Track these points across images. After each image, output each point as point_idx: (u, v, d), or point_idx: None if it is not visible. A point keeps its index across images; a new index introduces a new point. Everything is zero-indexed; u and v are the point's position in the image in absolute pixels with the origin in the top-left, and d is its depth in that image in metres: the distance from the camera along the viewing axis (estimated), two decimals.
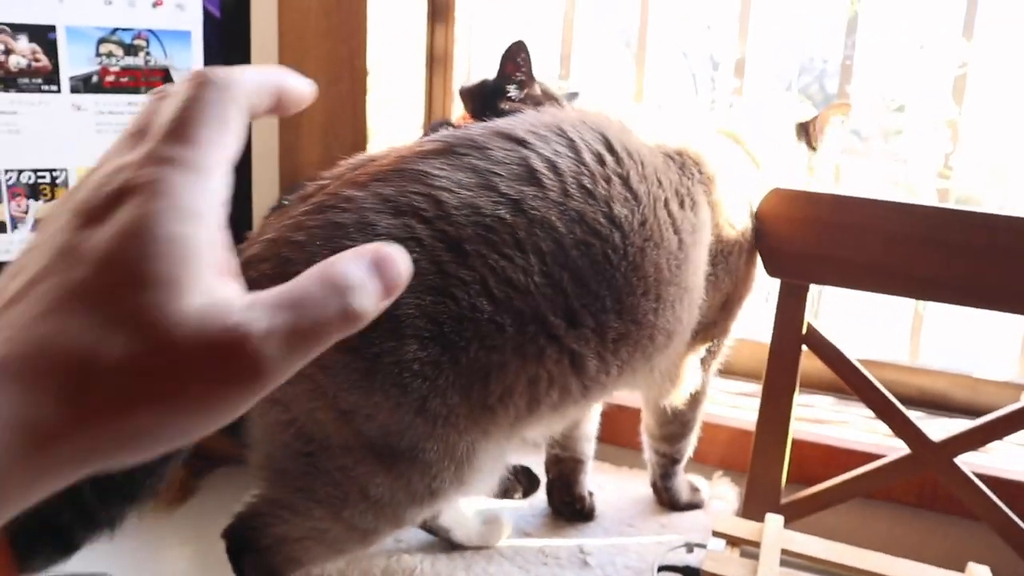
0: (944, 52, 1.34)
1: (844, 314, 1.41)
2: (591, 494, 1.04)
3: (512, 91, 1.03)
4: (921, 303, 1.35)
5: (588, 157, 0.75)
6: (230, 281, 0.31)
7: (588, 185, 0.74)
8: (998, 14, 1.30)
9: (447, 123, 1.10)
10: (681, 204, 0.82)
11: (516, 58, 1.03)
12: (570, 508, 1.03)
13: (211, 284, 0.30)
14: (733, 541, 0.91)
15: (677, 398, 0.96)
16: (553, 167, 0.73)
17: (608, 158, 0.77)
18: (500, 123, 0.76)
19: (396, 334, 0.67)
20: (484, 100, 1.04)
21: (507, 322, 0.70)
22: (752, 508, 1.02)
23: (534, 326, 0.71)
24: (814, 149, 1.06)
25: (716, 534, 0.91)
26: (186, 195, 0.30)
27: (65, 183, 1.16)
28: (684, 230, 0.81)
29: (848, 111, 1.07)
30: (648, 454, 1.07)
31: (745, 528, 0.92)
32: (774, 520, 0.92)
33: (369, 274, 0.33)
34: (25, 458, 0.27)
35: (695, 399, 1.00)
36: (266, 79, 0.35)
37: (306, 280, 0.32)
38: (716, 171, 0.90)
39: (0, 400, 0.26)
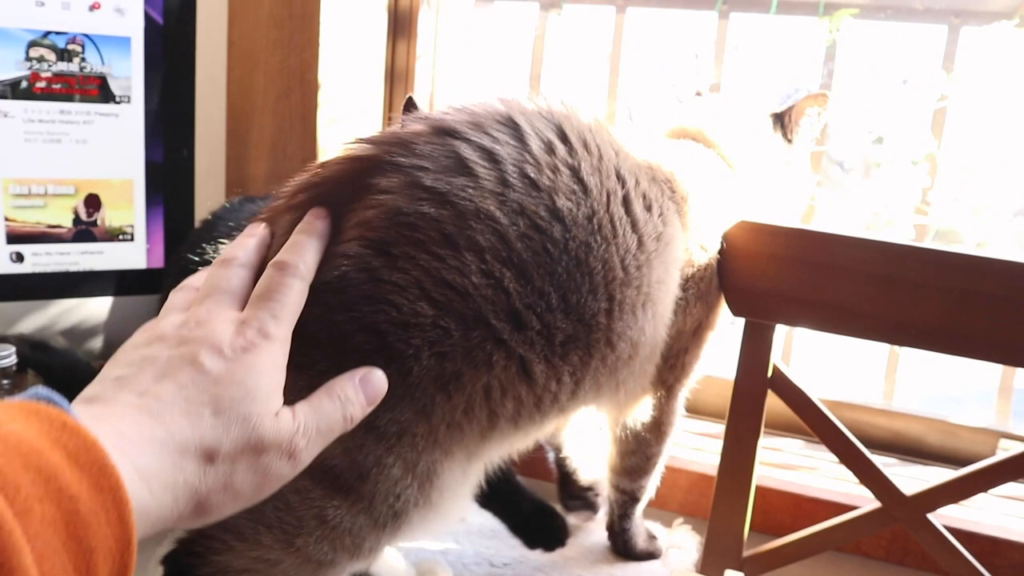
0: (924, 85, 1.30)
1: (816, 352, 1.35)
2: None
3: None
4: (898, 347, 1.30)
5: (535, 145, 0.69)
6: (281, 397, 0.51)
7: (532, 175, 0.67)
8: (978, 47, 1.26)
9: None
10: (648, 208, 0.76)
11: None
12: (584, 500, 1.04)
13: (279, 403, 0.51)
14: None
15: (641, 420, 0.91)
16: (490, 156, 0.66)
17: (559, 147, 0.70)
18: (434, 115, 0.69)
19: (337, 349, 0.61)
20: None
21: (452, 326, 0.63)
22: (712, 561, 0.95)
23: (479, 330, 0.65)
24: (790, 141, 1.01)
25: None
26: (277, 354, 0.52)
27: None
28: (646, 233, 0.74)
29: (825, 102, 1.00)
30: (608, 491, 1.00)
31: None
32: None
33: (356, 391, 0.55)
34: (165, 505, 0.44)
35: (661, 430, 0.93)
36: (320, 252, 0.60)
37: (322, 394, 0.54)
38: (689, 192, 0.84)
39: (159, 462, 0.44)
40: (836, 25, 1.30)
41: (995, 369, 1.24)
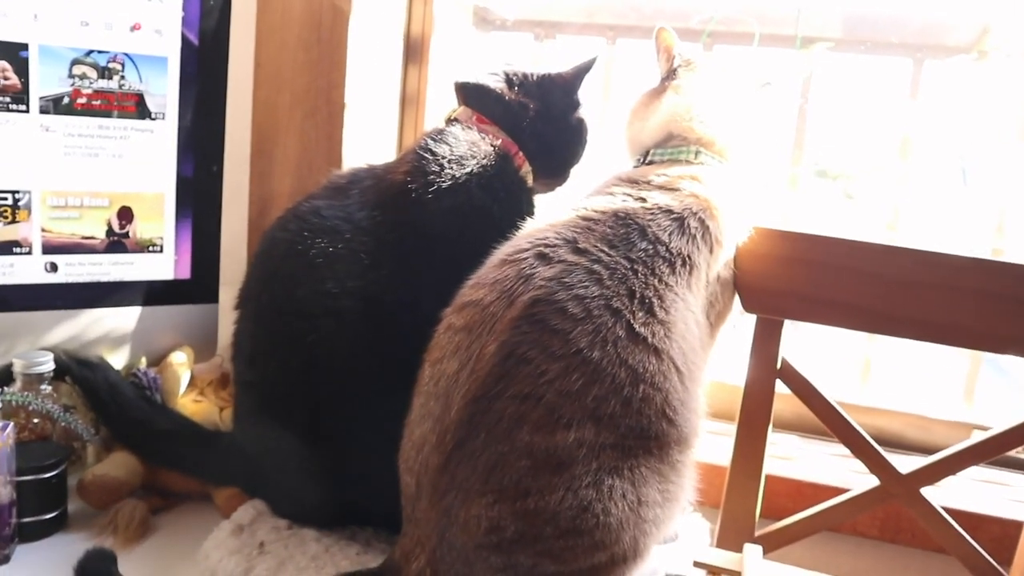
0: (891, 112, 1.43)
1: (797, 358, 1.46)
2: None
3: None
4: (871, 351, 1.41)
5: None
6: None
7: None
8: (940, 78, 1.39)
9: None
10: (651, 310, 0.84)
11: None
12: None
13: None
14: (714, 571, 0.92)
15: None
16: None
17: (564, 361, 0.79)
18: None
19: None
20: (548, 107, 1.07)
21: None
22: (727, 540, 1.03)
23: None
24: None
25: (697, 564, 0.92)
26: None
27: (28, 206, 1.12)
28: (661, 342, 0.83)
29: None
30: None
31: (725, 558, 0.93)
32: (753, 550, 0.93)
33: None
34: None
35: None
36: None
37: None
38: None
39: None
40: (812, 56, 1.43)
41: (962, 369, 1.36)
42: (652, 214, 0.90)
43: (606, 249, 0.85)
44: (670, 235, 0.88)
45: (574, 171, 1.12)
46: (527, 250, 0.84)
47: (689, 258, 0.89)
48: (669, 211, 0.90)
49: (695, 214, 0.91)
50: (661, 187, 0.94)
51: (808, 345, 1.30)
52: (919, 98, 1.40)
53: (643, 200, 0.92)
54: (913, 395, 1.40)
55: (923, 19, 1.45)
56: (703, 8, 1.48)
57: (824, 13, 1.46)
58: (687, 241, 0.89)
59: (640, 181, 0.96)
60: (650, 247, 0.87)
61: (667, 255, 0.87)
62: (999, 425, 1.00)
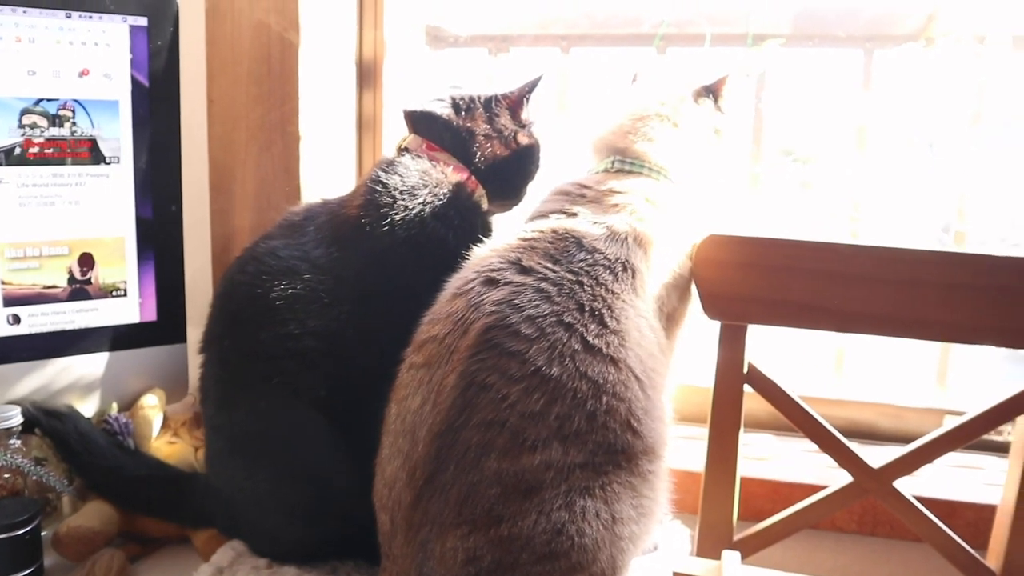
0: (845, 103, 1.44)
1: (769, 353, 1.46)
2: None
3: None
4: (843, 342, 1.42)
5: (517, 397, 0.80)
6: None
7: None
8: (890, 67, 1.40)
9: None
10: (603, 321, 0.85)
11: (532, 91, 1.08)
12: None
13: None
14: None
15: None
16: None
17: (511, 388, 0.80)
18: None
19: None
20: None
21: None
22: (706, 547, 1.03)
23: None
24: (721, 111, 1.09)
25: (676, 575, 0.92)
26: None
27: None
28: (616, 351, 0.85)
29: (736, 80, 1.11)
30: None
31: (704, 567, 0.93)
32: (731, 556, 0.94)
33: None
34: None
35: None
36: None
37: None
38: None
39: None
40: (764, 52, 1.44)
41: (933, 355, 1.37)
42: (586, 225, 0.92)
43: (550, 265, 0.87)
44: (605, 242, 0.90)
45: (529, 188, 1.12)
46: (473, 279, 0.85)
47: (628, 262, 0.91)
48: (601, 222, 0.93)
49: (624, 220, 0.94)
50: (591, 200, 0.97)
51: (778, 340, 1.31)
52: (872, 88, 1.41)
53: (575, 215, 0.95)
54: (887, 383, 1.41)
55: (871, 10, 1.46)
56: (654, 12, 1.48)
57: (774, 10, 1.47)
58: (620, 245, 0.91)
59: (573, 194, 0.99)
60: (589, 256, 0.89)
61: (606, 262, 0.89)
62: (971, 410, 1.00)
